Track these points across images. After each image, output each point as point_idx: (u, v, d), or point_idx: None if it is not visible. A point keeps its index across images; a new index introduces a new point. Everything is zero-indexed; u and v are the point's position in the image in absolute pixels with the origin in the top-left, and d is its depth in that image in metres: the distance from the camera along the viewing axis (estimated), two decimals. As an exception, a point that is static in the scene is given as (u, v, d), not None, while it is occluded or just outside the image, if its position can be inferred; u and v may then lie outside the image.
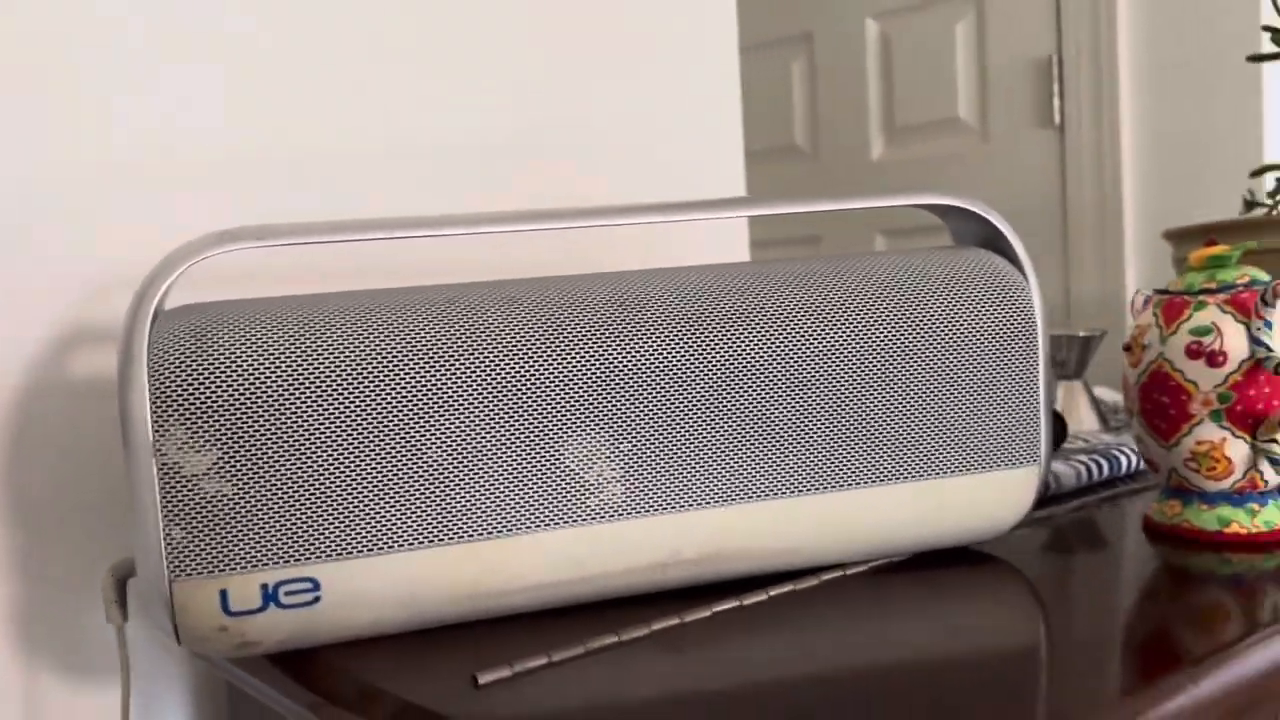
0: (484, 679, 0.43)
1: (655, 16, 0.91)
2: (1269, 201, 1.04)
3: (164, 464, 0.44)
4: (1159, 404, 0.58)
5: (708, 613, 0.51)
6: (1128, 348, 0.60)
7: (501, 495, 0.48)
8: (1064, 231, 1.59)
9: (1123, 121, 1.52)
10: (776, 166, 2.05)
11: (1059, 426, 0.78)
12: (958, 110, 1.75)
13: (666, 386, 0.50)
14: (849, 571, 0.56)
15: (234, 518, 0.45)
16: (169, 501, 0.44)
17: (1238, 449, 0.56)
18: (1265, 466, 0.56)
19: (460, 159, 0.80)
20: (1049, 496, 0.70)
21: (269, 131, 0.70)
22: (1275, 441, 0.55)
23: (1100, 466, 0.72)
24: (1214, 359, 0.56)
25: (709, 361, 0.50)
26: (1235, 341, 0.55)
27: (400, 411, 0.46)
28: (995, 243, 0.58)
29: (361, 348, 0.46)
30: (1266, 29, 0.96)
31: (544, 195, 0.85)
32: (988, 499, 0.56)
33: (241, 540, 0.45)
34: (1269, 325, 0.55)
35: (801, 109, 2.00)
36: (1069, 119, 1.59)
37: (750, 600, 0.52)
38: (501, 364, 0.48)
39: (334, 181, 0.73)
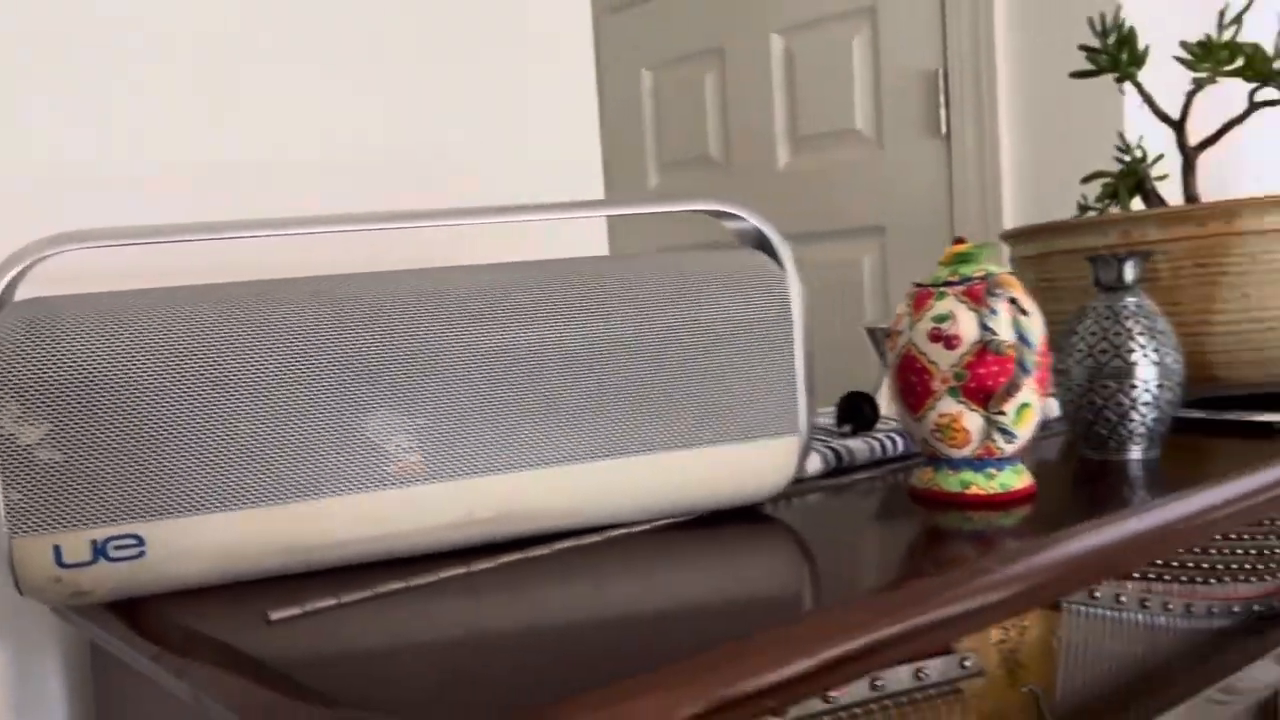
0: (275, 616, 0.50)
1: (515, 35, 0.98)
2: (1098, 205, 1.13)
3: (1, 435, 0.51)
4: (909, 382, 0.66)
5: (494, 563, 0.58)
6: (887, 334, 0.69)
7: (309, 463, 0.55)
8: (951, 234, 1.68)
9: (1001, 131, 1.62)
10: (691, 176, 2.14)
11: (870, 408, 0.86)
12: (855, 121, 1.84)
13: (457, 366, 0.57)
14: (632, 530, 0.64)
15: (64, 482, 0.52)
16: (6, 468, 0.51)
17: (973, 420, 0.64)
18: (997, 436, 0.64)
19: (341, 168, 0.87)
20: (843, 468, 0.78)
21: (156, 143, 0.77)
22: (1003, 414, 0.64)
23: (894, 442, 0.80)
24: (950, 342, 0.64)
25: (498, 345, 0.58)
26: (968, 327, 0.64)
27: (213, 389, 0.54)
28: (763, 242, 0.66)
29: (178, 334, 0.54)
30: (1083, 48, 1.05)
31: (426, 204, 0.92)
32: (753, 465, 0.63)
33: (72, 501, 0.52)
34: (994, 313, 0.63)
35: (714, 121, 2.08)
36: (954, 129, 1.68)
37: (536, 553, 0.60)
38: (306, 348, 0.55)
39: (227, 189, 0.80)
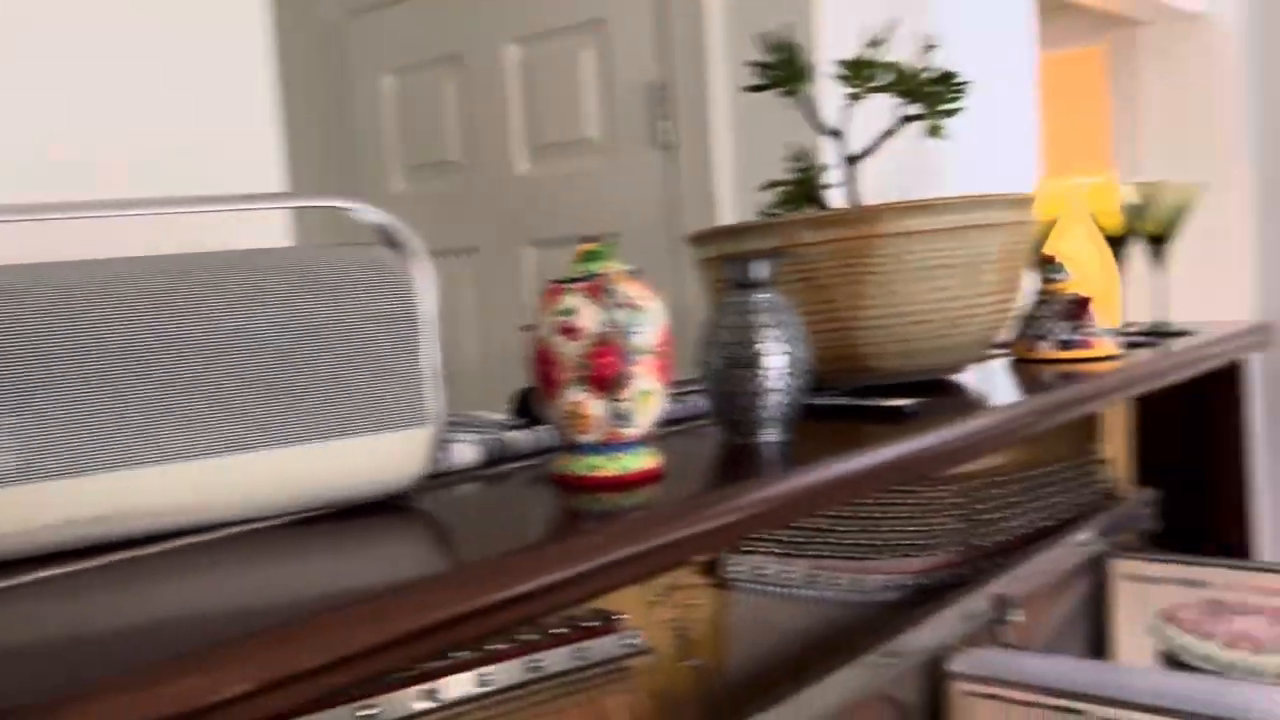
0: None
1: (189, 29, 0.97)
2: (777, 211, 1.21)
3: None
4: (542, 373, 0.70)
5: (101, 562, 0.58)
6: (527, 329, 0.72)
7: (-115, 467, 0.53)
8: (674, 244, 1.75)
9: (720, 142, 1.71)
10: (434, 181, 2.14)
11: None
12: (588, 130, 1.90)
13: (56, 361, 0.56)
14: (259, 525, 0.64)
15: None
16: None
17: (597, 407, 0.68)
18: (619, 422, 0.69)
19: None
20: (504, 457, 0.81)
21: None
22: (622, 400, 0.68)
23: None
24: (574, 334, 0.68)
25: (103, 339, 0.57)
26: (589, 320, 0.68)
27: None
28: (394, 238, 0.68)
29: None
30: (752, 64, 1.13)
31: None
32: (382, 457, 0.65)
33: None
34: (610, 307, 0.67)
35: (455, 126, 2.10)
36: (676, 140, 1.76)
37: (149, 551, 0.59)
38: (-124, 347, 0.53)
39: None
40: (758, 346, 0.80)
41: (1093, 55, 3.13)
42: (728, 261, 0.83)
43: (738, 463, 0.81)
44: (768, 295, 0.82)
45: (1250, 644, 1.43)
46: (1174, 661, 1.51)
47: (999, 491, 1.36)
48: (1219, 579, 1.48)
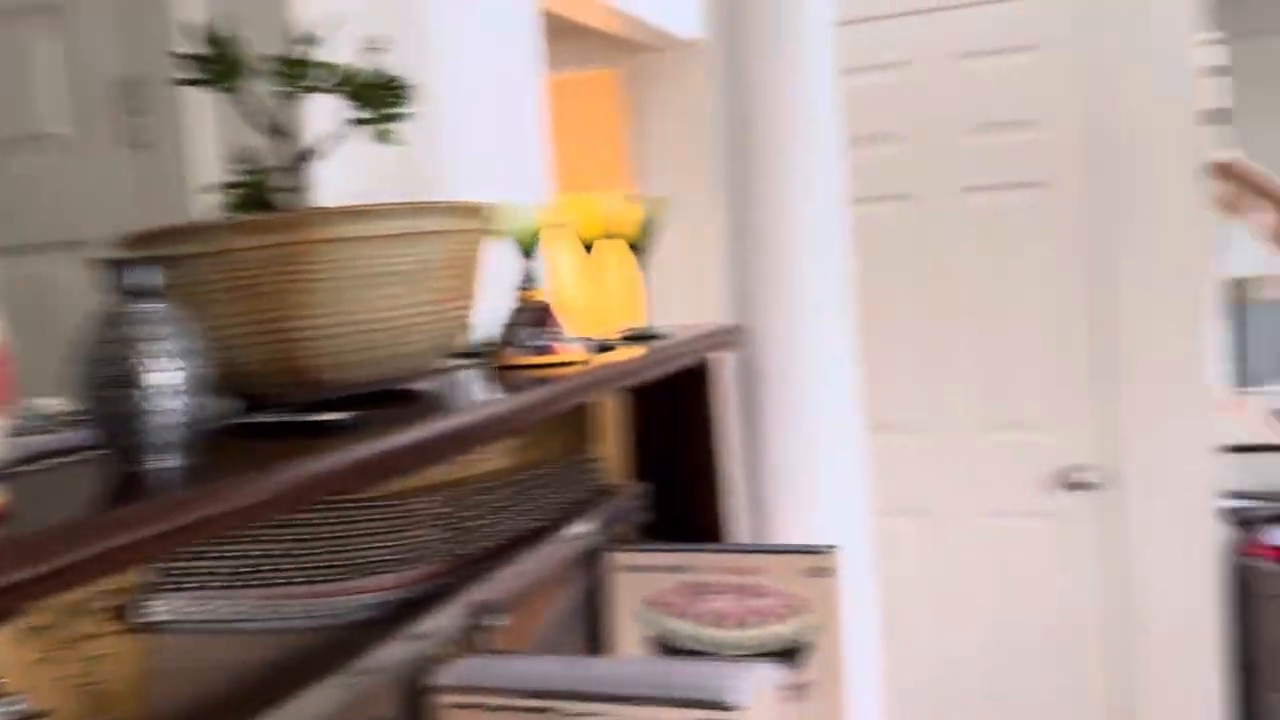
0: None
1: None
2: (227, 214, 1.13)
3: None
4: None
5: None
6: None
7: None
8: (153, 249, 1.61)
9: (197, 142, 1.59)
10: None
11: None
12: (48, 125, 1.70)
13: None
14: None
15: None
16: None
17: (-113, 443, 0.57)
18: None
19: None
20: None
21: None
22: (-77, 432, 0.57)
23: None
24: None
25: None
26: None
27: None
28: None
29: None
30: (179, 56, 1.04)
31: None
32: None
33: None
34: (-101, 320, 0.56)
35: (-119, 115, 1.79)
36: (151, 139, 1.62)
37: None
38: None
39: None
40: (137, 361, 0.72)
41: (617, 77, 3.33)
42: (106, 266, 0.74)
43: (118, 493, 0.73)
44: (155, 305, 0.75)
45: (722, 621, 1.56)
46: (666, 645, 1.61)
47: (487, 497, 1.36)
48: (699, 563, 1.59)
